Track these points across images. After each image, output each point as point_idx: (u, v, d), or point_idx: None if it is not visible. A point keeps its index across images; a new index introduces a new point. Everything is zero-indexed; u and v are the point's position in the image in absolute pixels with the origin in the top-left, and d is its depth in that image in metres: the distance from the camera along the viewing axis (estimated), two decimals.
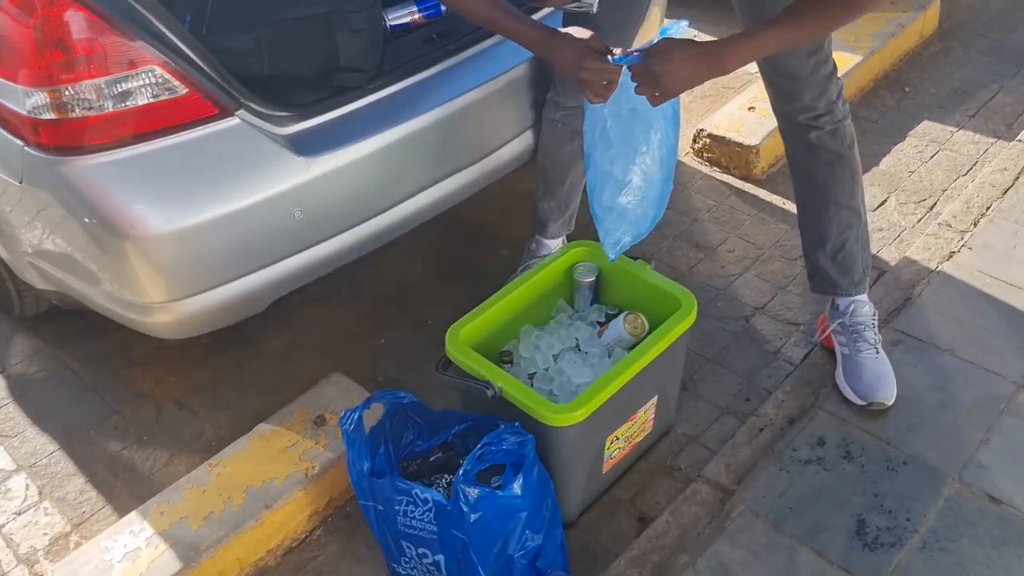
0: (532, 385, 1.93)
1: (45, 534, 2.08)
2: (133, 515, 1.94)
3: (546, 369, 1.97)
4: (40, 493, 2.17)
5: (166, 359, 2.47)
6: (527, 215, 2.82)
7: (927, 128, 3.17)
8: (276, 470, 2.00)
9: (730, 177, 3.02)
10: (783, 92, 2.04)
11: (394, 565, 1.88)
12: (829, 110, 2.03)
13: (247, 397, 2.36)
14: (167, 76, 1.73)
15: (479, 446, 1.67)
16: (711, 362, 2.38)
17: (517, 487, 1.68)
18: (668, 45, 1.63)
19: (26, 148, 1.76)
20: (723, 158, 3.03)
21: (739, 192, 2.96)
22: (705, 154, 3.07)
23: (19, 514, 2.12)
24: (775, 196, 2.93)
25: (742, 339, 2.44)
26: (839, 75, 2.04)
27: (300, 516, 2.01)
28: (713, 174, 3.04)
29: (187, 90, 1.76)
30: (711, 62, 1.62)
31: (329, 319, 2.56)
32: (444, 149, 2.15)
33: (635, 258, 2.11)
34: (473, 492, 1.63)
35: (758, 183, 2.98)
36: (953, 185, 2.90)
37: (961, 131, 3.14)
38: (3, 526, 2.10)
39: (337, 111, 1.98)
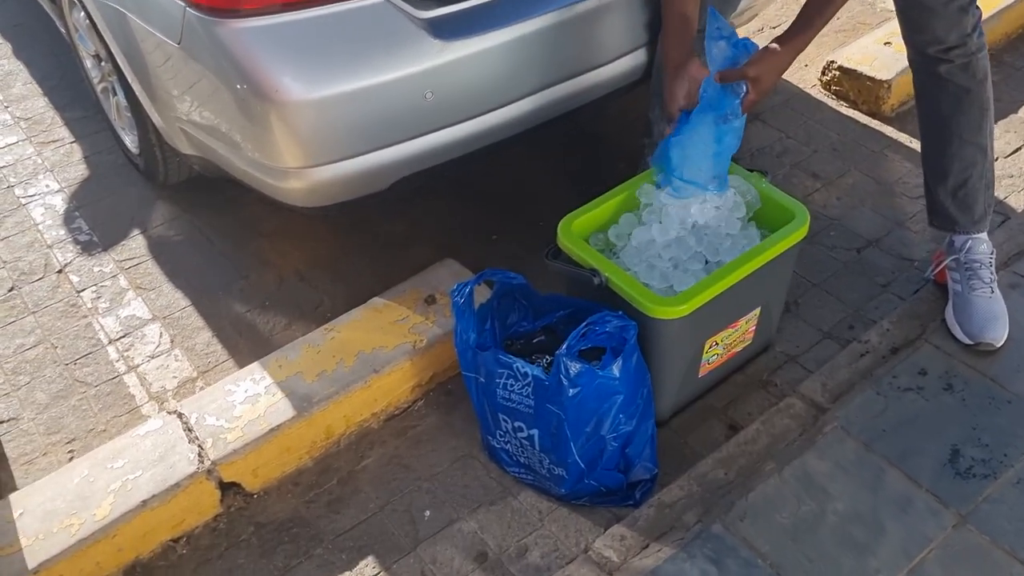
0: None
1: (175, 377, 2.26)
2: (255, 365, 2.09)
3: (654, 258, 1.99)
4: (172, 341, 2.35)
5: (292, 234, 2.61)
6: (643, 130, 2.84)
7: None
8: (386, 340, 2.12)
9: (857, 112, 2.95)
10: (914, 23, 2.00)
11: (489, 437, 1.98)
12: (962, 43, 1.97)
13: (363, 276, 2.49)
14: None
15: (583, 324, 1.73)
16: (817, 287, 2.38)
17: (616, 369, 1.74)
18: (758, 74, 1.89)
19: (188, 9, 1.88)
20: (852, 92, 2.96)
21: (865, 128, 2.90)
22: (833, 87, 3.01)
23: (152, 358, 2.31)
24: (902, 134, 2.86)
25: (852, 269, 2.43)
26: (981, 12, 1.97)
27: (405, 386, 2.13)
28: (839, 108, 2.98)
29: None
30: (791, 56, 1.91)
31: (445, 213, 2.65)
32: (569, 50, 2.18)
33: (752, 170, 2.11)
34: (574, 366, 1.70)
35: (886, 120, 2.91)
36: None
37: None
38: (138, 366, 2.29)
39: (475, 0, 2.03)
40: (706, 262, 1.99)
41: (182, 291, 2.48)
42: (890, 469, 1.89)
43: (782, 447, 1.96)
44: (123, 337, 2.36)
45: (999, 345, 2.09)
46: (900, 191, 2.65)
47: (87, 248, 2.62)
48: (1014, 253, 2.35)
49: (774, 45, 1.90)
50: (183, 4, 1.89)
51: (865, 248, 2.48)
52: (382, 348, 2.10)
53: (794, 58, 1.92)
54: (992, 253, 2.17)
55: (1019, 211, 2.51)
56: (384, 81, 1.94)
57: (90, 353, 2.33)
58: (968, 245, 2.15)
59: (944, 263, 2.20)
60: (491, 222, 2.63)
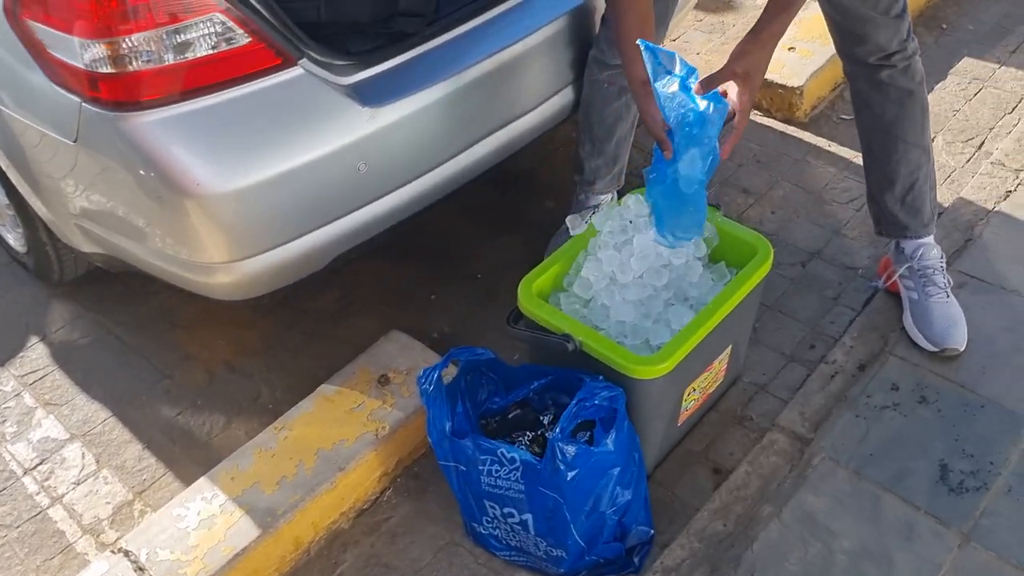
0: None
1: (108, 503, 2.03)
2: (203, 481, 1.90)
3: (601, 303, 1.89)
4: (97, 461, 2.11)
5: (212, 322, 2.41)
6: (569, 163, 2.76)
7: (968, 65, 3.10)
8: (345, 432, 1.96)
9: (773, 120, 2.95)
10: (852, 35, 1.97)
11: (474, 524, 1.85)
12: (901, 48, 1.97)
13: (300, 358, 2.31)
14: (230, 24, 1.64)
15: (574, 402, 1.62)
16: (771, 309, 2.34)
17: (611, 443, 1.64)
18: (746, 71, 1.72)
19: (83, 104, 1.68)
20: (764, 100, 2.96)
21: (783, 135, 2.89)
22: None
23: (78, 484, 2.07)
24: (819, 139, 2.87)
25: (800, 285, 2.40)
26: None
27: (371, 477, 1.97)
28: (755, 117, 2.97)
29: (250, 39, 1.67)
30: (768, 48, 1.75)
31: (376, 276, 2.50)
32: (499, 99, 2.08)
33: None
34: (570, 450, 1.59)
35: (801, 126, 2.92)
36: (1000, 123, 2.85)
37: (1003, 67, 3.08)
38: (63, 496, 2.05)
39: (398, 58, 1.90)
40: (672, 305, 1.91)
41: (99, 401, 2.25)
42: (885, 495, 1.86)
43: (775, 488, 1.90)
44: (40, 464, 2.11)
45: (963, 349, 2.09)
46: (830, 198, 2.65)
47: None
48: (954, 251, 2.37)
49: (751, 36, 1.73)
50: (78, 100, 1.68)
51: (809, 261, 2.46)
52: (343, 442, 1.94)
53: (776, 45, 1.75)
54: (942, 257, 2.18)
55: (948, 205, 2.53)
56: (313, 159, 1.78)
57: (3, 489, 2.07)
58: (920, 252, 2.15)
59: (897, 273, 2.19)
60: (426, 280, 2.49)
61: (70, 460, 2.12)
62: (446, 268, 2.53)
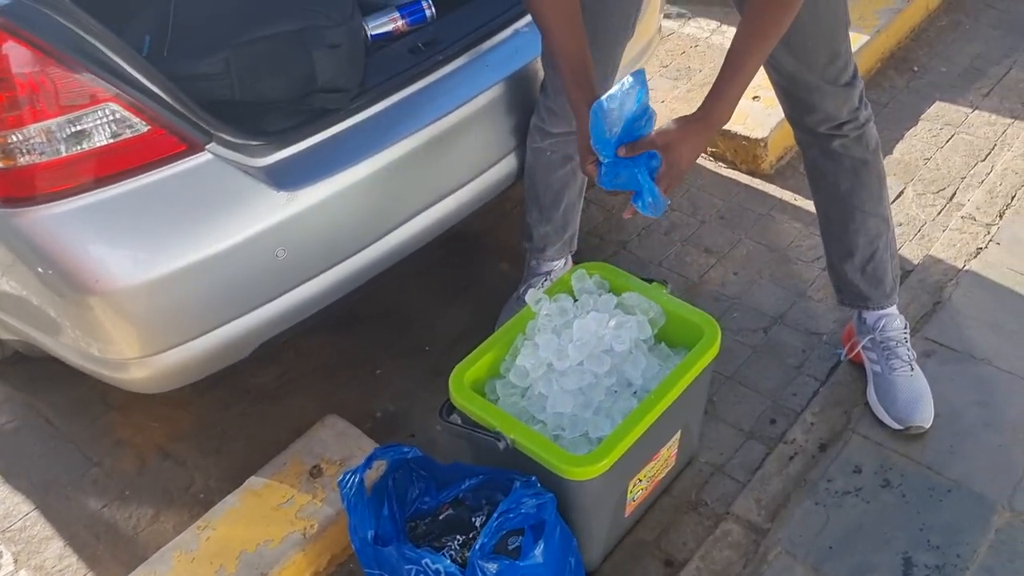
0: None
1: None
2: None
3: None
4: (16, 561, 2.00)
5: (147, 403, 2.29)
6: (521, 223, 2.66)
7: (940, 110, 3.00)
8: (271, 531, 1.84)
9: (737, 173, 2.85)
10: (802, 104, 1.87)
11: None
12: (853, 116, 1.87)
13: (236, 441, 2.20)
14: (125, 113, 1.54)
15: (496, 515, 1.51)
16: (731, 380, 2.23)
17: (539, 554, 1.52)
18: (668, 142, 1.55)
19: None
20: (729, 152, 2.86)
21: (747, 188, 2.79)
22: (709, 149, 2.90)
23: None
24: (785, 192, 2.76)
25: (762, 353, 2.29)
26: (863, 83, 1.87)
27: None
28: (719, 170, 2.87)
29: (149, 127, 1.57)
30: (708, 131, 1.60)
31: (319, 349, 2.39)
32: (433, 172, 1.97)
33: (650, 280, 1.94)
34: (492, 567, 1.47)
35: (767, 178, 2.81)
36: (972, 172, 2.75)
37: (976, 112, 2.98)
38: None
39: (317, 137, 1.80)
40: (615, 392, 1.80)
41: (22, 493, 2.13)
42: None
43: None
44: None
45: (928, 426, 1.98)
46: (794, 256, 2.54)
47: None
48: (921, 315, 2.26)
49: (687, 115, 1.59)
50: None
51: (771, 327, 2.35)
52: (268, 542, 1.82)
53: (717, 126, 1.60)
54: (906, 328, 2.07)
55: (916, 263, 2.43)
56: (227, 247, 1.68)
57: None
58: (882, 323, 2.04)
59: (860, 345, 2.08)
60: (372, 354, 2.38)
61: None
62: (392, 340, 2.41)
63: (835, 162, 1.92)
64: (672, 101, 3.14)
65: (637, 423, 1.66)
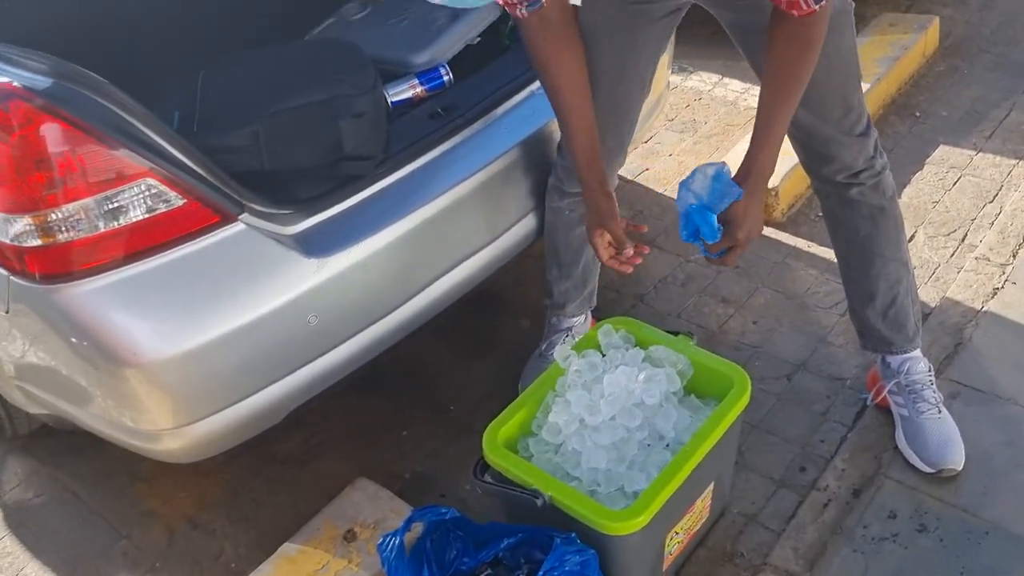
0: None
1: None
2: None
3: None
4: None
5: (174, 473, 2.29)
6: (541, 279, 2.69)
7: (945, 153, 3.05)
8: None
9: None
10: (817, 155, 1.91)
11: None
12: (869, 165, 1.90)
13: (265, 508, 2.19)
14: (162, 187, 1.58)
15: (541, 573, 1.50)
16: (757, 429, 2.23)
17: None
18: (736, 219, 1.70)
19: (12, 278, 1.60)
20: None
21: (761, 238, 2.81)
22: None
23: None
24: (798, 239, 2.79)
25: (787, 401, 2.29)
26: (877, 132, 1.91)
27: None
28: None
29: (185, 200, 1.61)
30: (761, 192, 1.74)
31: (345, 414, 2.39)
32: (455, 235, 2.01)
33: (675, 333, 1.96)
34: None
35: (779, 226, 2.84)
36: (982, 213, 2.78)
37: (980, 154, 3.02)
38: None
39: (345, 204, 1.83)
40: (648, 446, 1.80)
41: (52, 569, 2.12)
42: None
43: None
44: None
45: (960, 468, 1.98)
46: (813, 303, 2.57)
47: None
48: (943, 357, 2.27)
49: (742, 193, 1.70)
50: (6, 273, 1.60)
51: (794, 374, 2.36)
52: None
53: (763, 186, 1.73)
54: (931, 371, 2.08)
55: (934, 306, 2.44)
56: (260, 316, 1.70)
57: None
58: (907, 367, 2.06)
59: (886, 389, 2.09)
60: (396, 416, 2.38)
61: None
62: (417, 400, 2.42)
63: (853, 210, 1.95)
64: (680, 154, 3.19)
65: (674, 475, 1.66)
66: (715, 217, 1.73)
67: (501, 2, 1.67)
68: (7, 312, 1.67)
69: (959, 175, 2.95)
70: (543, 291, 2.34)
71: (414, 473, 2.24)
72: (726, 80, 3.54)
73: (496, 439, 1.76)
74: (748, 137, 1.74)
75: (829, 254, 2.69)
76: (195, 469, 2.29)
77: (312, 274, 1.74)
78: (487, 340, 2.58)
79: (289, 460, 2.30)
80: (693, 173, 1.73)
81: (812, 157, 1.92)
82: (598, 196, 1.83)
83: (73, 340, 1.63)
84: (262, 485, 2.25)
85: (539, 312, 2.56)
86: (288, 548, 1.94)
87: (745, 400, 1.80)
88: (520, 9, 1.66)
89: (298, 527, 2.01)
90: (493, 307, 2.68)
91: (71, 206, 1.53)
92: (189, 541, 2.15)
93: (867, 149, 1.88)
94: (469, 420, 2.36)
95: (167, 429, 1.75)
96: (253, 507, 2.20)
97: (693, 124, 3.34)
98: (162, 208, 1.60)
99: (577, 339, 2.22)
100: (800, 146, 1.92)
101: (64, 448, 2.38)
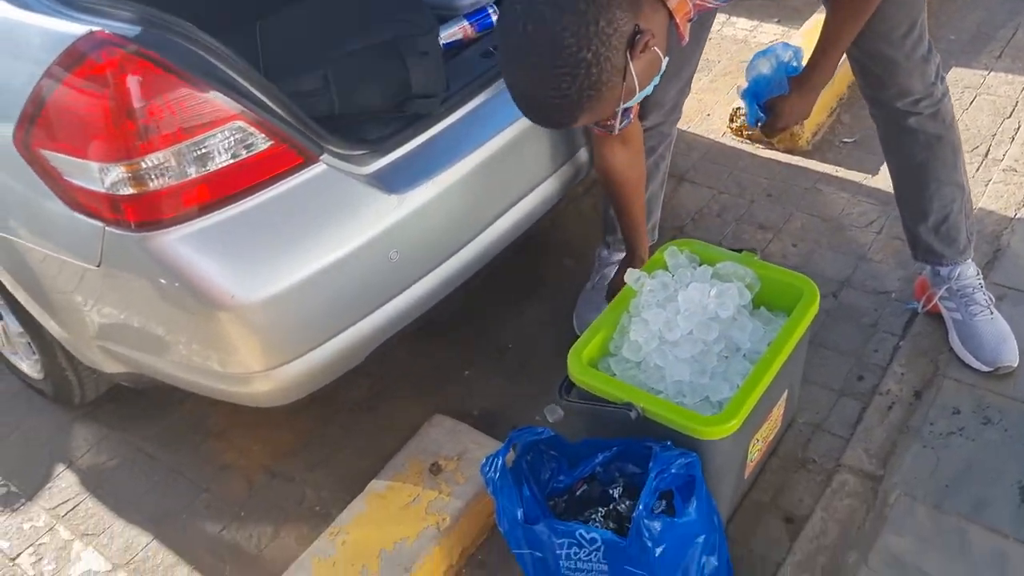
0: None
1: None
2: None
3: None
4: None
5: (244, 427, 2.33)
6: (580, 220, 2.74)
7: (958, 75, 3.12)
8: (405, 530, 1.88)
9: (775, 152, 2.94)
10: (878, 79, 1.94)
11: None
12: (929, 92, 1.94)
13: (341, 453, 2.23)
14: (250, 130, 1.60)
15: (653, 475, 1.56)
16: (812, 344, 2.28)
17: (693, 511, 1.58)
18: (780, 112, 1.89)
19: (107, 228, 1.62)
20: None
21: (789, 167, 2.88)
22: (745, 131, 2.99)
23: None
24: (826, 165, 2.86)
25: (836, 316, 2.36)
26: (939, 57, 1.95)
27: (437, 573, 1.89)
28: (757, 152, 2.96)
29: (272, 142, 1.63)
30: (808, 96, 1.87)
31: (406, 361, 2.43)
32: (519, 169, 2.04)
33: (739, 250, 2.02)
34: (656, 526, 1.52)
35: (805, 155, 2.91)
36: (1001, 128, 2.86)
37: (992, 73, 3.10)
38: None
39: (415, 142, 1.86)
40: (726, 358, 1.86)
41: (137, 526, 2.15)
42: (970, 526, 1.81)
43: (855, 532, 1.84)
44: None
45: (1016, 364, 2.06)
46: (848, 223, 2.63)
47: (6, 503, 2.25)
48: (984, 263, 2.35)
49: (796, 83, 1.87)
50: (101, 224, 1.62)
51: (840, 291, 2.43)
52: (404, 540, 1.86)
53: (817, 90, 1.86)
54: (979, 274, 2.15)
55: None
56: (346, 253, 1.73)
57: None
58: (957, 272, 2.13)
59: (937, 296, 2.16)
60: (456, 359, 2.43)
61: None
62: (474, 343, 2.47)
63: (910, 137, 1.99)
64: (698, 92, 3.23)
65: (759, 380, 1.72)
66: (757, 107, 1.95)
67: (597, 130, 1.89)
68: (99, 266, 1.69)
69: (974, 95, 3.02)
70: (604, 228, 2.39)
71: (482, 410, 2.29)
72: (732, 20, 3.58)
73: (580, 360, 1.82)
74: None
75: (859, 177, 2.78)
76: (266, 421, 2.33)
77: (393, 210, 1.77)
78: (534, 282, 2.62)
79: (358, 407, 2.34)
80: (773, 48, 1.93)
81: (871, 80, 1.95)
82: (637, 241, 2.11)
83: (169, 286, 1.66)
84: (334, 432, 2.29)
85: (581, 251, 2.62)
86: (376, 485, 1.99)
87: (815, 308, 1.87)
88: (616, 127, 1.82)
89: (376, 468, 2.06)
90: (535, 250, 2.72)
91: (162, 153, 1.55)
92: (270, 490, 2.19)
93: (928, 74, 1.91)
94: (528, 357, 2.42)
95: (258, 372, 1.78)
96: (329, 453, 2.24)
97: (707, 63, 3.38)
98: (250, 151, 1.62)
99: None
100: (860, 69, 1.95)
101: (131, 413, 2.41)
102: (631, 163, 2.00)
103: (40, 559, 2.11)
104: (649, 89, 1.51)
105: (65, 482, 2.27)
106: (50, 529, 2.17)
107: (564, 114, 1.43)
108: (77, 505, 2.22)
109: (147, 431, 2.37)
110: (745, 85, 1.95)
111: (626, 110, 1.67)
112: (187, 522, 2.15)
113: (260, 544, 2.08)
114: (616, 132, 1.84)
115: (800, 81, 1.83)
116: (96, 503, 2.22)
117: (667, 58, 1.50)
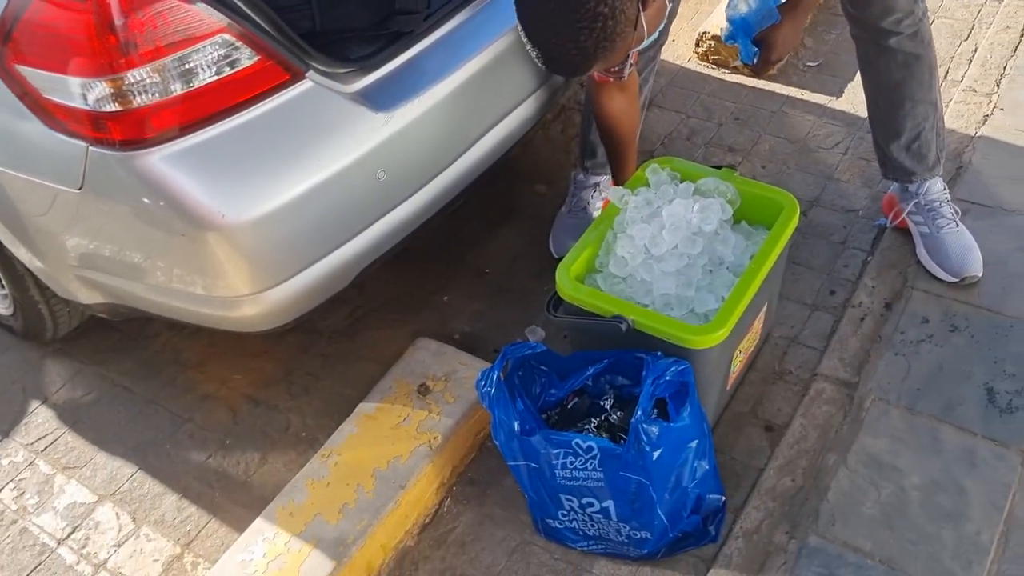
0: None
1: (156, 560, 1.94)
2: (260, 522, 1.82)
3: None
4: (134, 519, 2.01)
5: (223, 357, 2.31)
6: (550, 145, 2.74)
7: None
8: (397, 448, 1.90)
9: (741, 77, 2.96)
10: None
11: (548, 520, 1.82)
12: (911, 11, 1.97)
13: (323, 380, 2.24)
14: (237, 43, 1.56)
15: (649, 382, 1.60)
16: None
17: (687, 416, 1.63)
18: (772, 44, 1.98)
19: (90, 148, 1.57)
20: (730, 58, 2.97)
21: (754, 90, 2.91)
22: (711, 56, 3.01)
23: (119, 546, 1.97)
24: (791, 88, 2.89)
25: (806, 234, 2.42)
26: None
27: (430, 490, 1.92)
28: (722, 76, 2.98)
29: (258, 57, 1.60)
30: (799, 23, 1.97)
31: (383, 287, 2.42)
32: (503, 86, 2.03)
33: (718, 167, 2.04)
34: (654, 430, 1.57)
35: (770, 78, 2.93)
36: (959, 51, 2.92)
37: None
38: (106, 561, 1.95)
39: (399, 59, 1.84)
40: (710, 271, 1.90)
41: (121, 457, 2.14)
42: (941, 426, 1.89)
43: (833, 436, 1.92)
44: (73, 532, 2.00)
45: (981, 274, 2.14)
46: (815, 145, 2.68)
47: None
48: (948, 179, 2.40)
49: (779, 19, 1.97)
50: (84, 144, 1.57)
51: (809, 210, 2.48)
52: (398, 459, 1.88)
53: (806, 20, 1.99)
54: (945, 189, 2.21)
55: None
56: (334, 172, 1.72)
57: (39, 565, 1.96)
58: (924, 187, 2.19)
59: (905, 211, 2.22)
60: (434, 284, 2.44)
61: (104, 523, 2.01)
62: (451, 268, 2.47)
63: (888, 57, 2.02)
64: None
65: (744, 292, 1.77)
66: (750, 43, 1.98)
67: (598, 77, 1.90)
68: (80, 188, 1.65)
69: (932, 18, 3.04)
70: (581, 152, 2.39)
71: (463, 333, 2.31)
72: None
73: (568, 276, 1.84)
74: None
75: (822, 99, 2.83)
76: (244, 351, 2.32)
77: (380, 128, 1.76)
78: (508, 207, 2.63)
79: (337, 334, 2.34)
80: None
81: (856, 1, 1.97)
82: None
83: (155, 207, 1.62)
84: (315, 360, 2.29)
85: (552, 177, 2.63)
86: (365, 407, 2.00)
87: (795, 221, 1.91)
88: (624, 73, 1.88)
89: (360, 394, 2.07)
90: (507, 177, 2.72)
91: (147, 67, 1.51)
92: (254, 418, 2.19)
93: None
94: (505, 280, 2.43)
95: (245, 295, 1.77)
96: (311, 380, 2.24)
97: None
98: (237, 66, 1.58)
99: (605, 193, 2.31)
100: None
101: (104, 347, 2.37)
102: (627, 110, 2.04)
103: (22, 493, 2.09)
104: (656, 35, 1.54)
105: (41, 417, 2.24)
106: (30, 464, 2.14)
107: (580, 64, 1.55)
108: (56, 440, 2.19)
109: (122, 365, 2.33)
110: (728, 28, 2.04)
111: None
112: (172, 452, 2.14)
113: (248, 470, 2.08)
114: (624, 78, 1.91)
115: (791, 6, 1.86)
116: (75, 437, 2.19)
117: (671, 3, 1.53)
